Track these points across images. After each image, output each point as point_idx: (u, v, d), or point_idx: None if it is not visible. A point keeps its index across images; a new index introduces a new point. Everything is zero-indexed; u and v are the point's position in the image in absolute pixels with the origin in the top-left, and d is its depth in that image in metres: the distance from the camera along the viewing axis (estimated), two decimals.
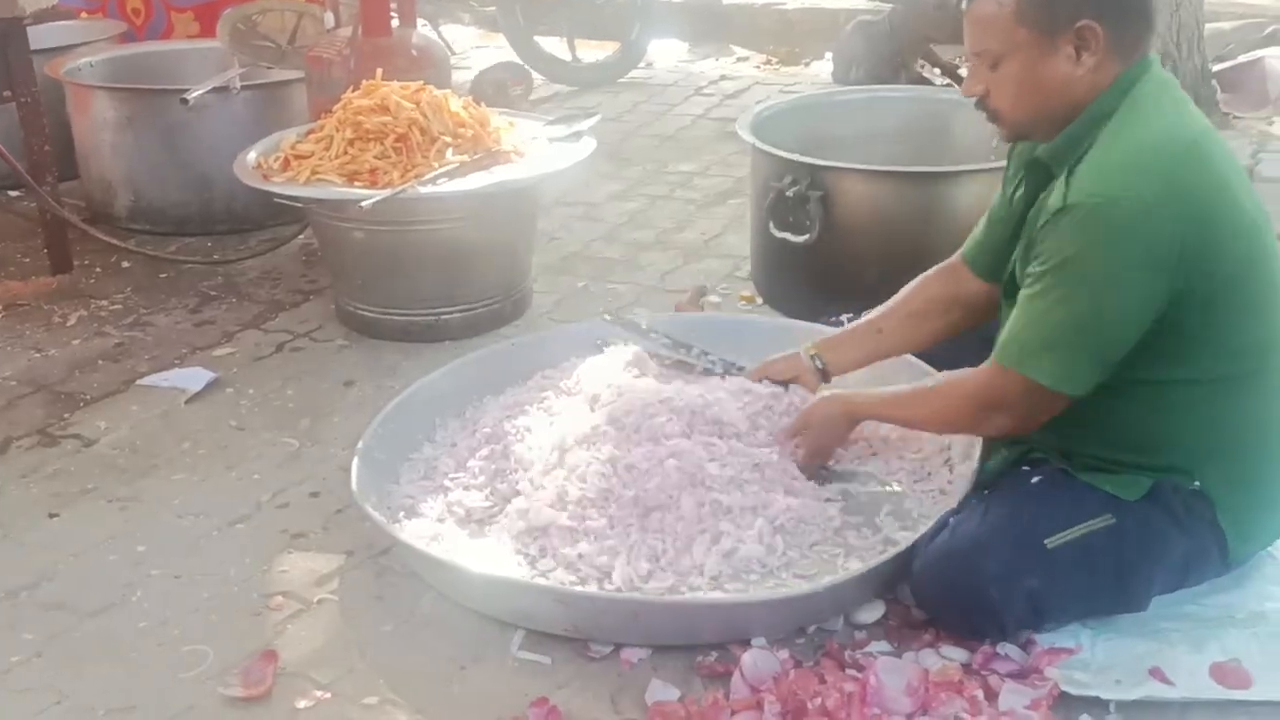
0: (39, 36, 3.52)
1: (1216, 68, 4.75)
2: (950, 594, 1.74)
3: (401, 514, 2.06)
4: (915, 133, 3.14)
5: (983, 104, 1.85)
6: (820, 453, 2.05)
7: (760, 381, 2.22)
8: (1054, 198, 1.74)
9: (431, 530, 1.99)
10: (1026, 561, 1.71)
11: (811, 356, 2.21)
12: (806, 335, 2.36)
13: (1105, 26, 1.73)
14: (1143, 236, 1.65)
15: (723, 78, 5.58)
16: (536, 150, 2.98)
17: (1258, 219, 1.76)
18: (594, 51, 5.65)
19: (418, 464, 2.21)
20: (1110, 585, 1.75)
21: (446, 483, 2.12)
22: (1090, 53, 1.74)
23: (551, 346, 2.50)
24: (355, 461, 2.04)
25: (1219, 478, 1.79)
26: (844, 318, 2.40)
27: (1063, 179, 1.75)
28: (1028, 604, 1.72)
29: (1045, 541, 1.71)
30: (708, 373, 2.33)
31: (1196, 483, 1.79)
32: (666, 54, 6.03)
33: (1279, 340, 1.80)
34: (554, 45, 5.54)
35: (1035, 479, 1.83)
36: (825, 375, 2.21)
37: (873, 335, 2.20)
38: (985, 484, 1.91)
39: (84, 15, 4.39)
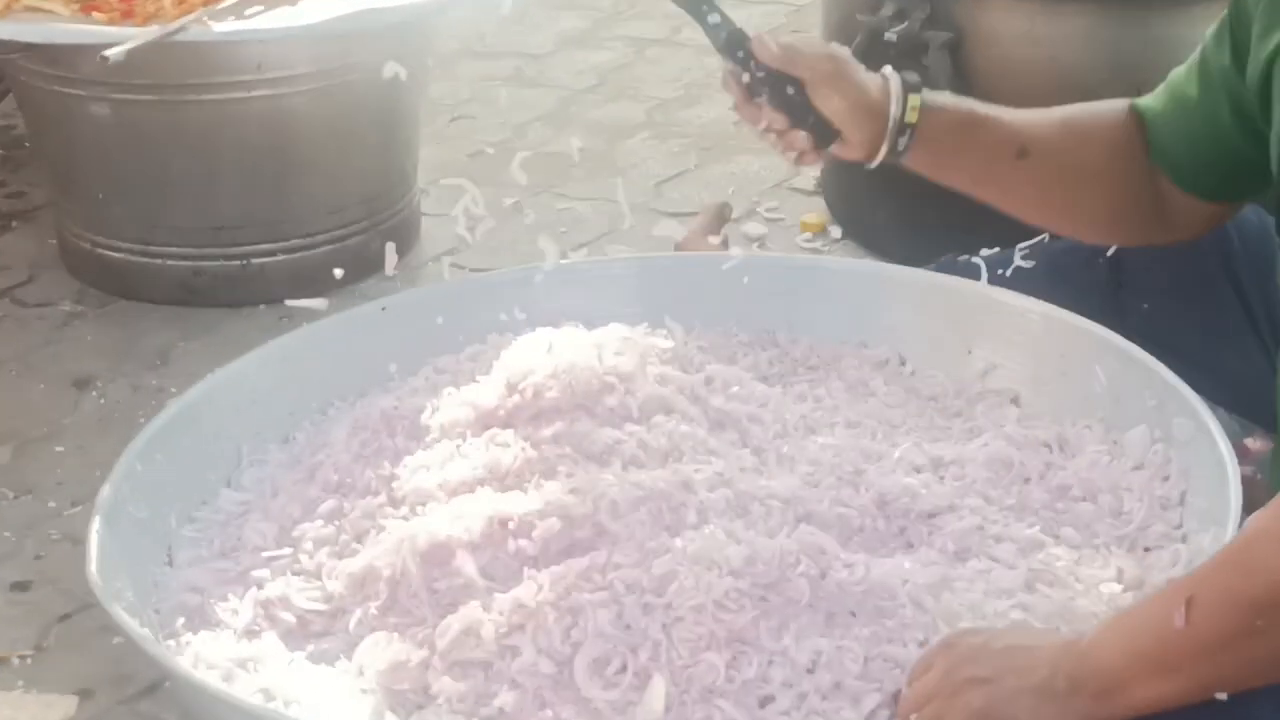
0: None
1: None
2: None
3: (180, 622, 1.47)
4: None
5: None
6: None
7: (770, 86, 1.58)
8: None
9: (239, 653, 1.38)
10: None
11: (904, 86, 1.56)
12: (919, 293, 1.82)
13: None
14: None
15: None
16: None
17: None
18: None
19: (209, 529, 1.61)
20: None
21: (261, 566, 1.53)
22: None
23: (453, 313, 1.85)
24: (95, 525, 1.43)
25: None
26: (985, 256, 1.79)
27: None
28: None
29: None
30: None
31: None
32: None
33: None
34: None
35: None
36: (893, 128, 1.56)
37: (1008, 158, 1.62)
38: None
39: None
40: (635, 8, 3.44)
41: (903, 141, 1.52)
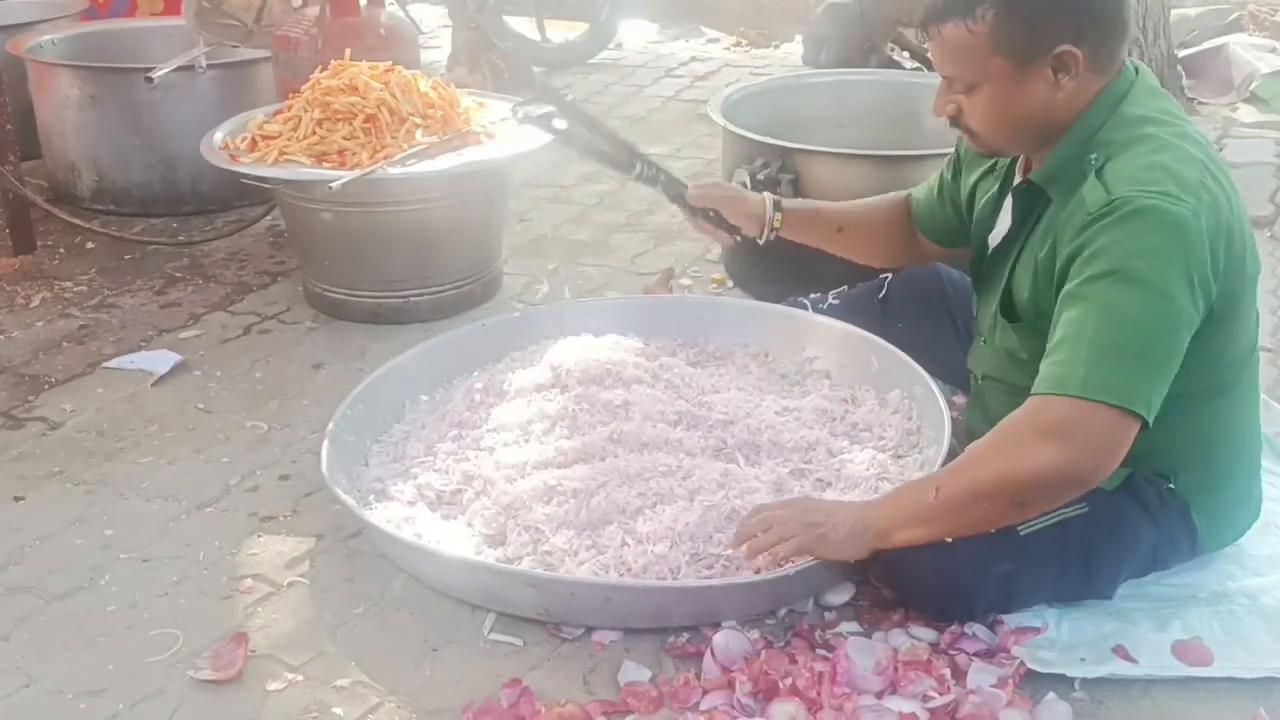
0: None
1: (1182, 54, 4.79)
2: (922, 577, 1.73)
3: (371, 497, 2.05)
4: (885, 116, 3.16)
5: (956, 122, 1.80)
6: (802, 554, 1.74)
7: (702, 210, 2.22)
8: (1090, 199, 1.63)
9: (402, 513, 1.98)
10: (999, 547, 1.69)
11: (773, 202, 2.21)
12: (775, 317, 2.40)
13: (1084, 46, 1.67)
14: (1194, 243, 1.58)
15: (693, 59, 5.58)
16: (506, 131, 2.96)
17: (1248, 230, 1.73)
18: (563, 31, 5.63)
19: (387, 446, 2.20)
20: (1079, 572, 1.75)
21: (416, 466, 2.11)
22: (1070, 75, 1.68)
23: (520, 328, 2.50)
24: (325, 444, 2.03)
25: (1194, 482, 1.79)
26: (811, 298, 2.42)
27: (1092, 182, 1.65)
28: (999, 588, 1.72)
29: (1019, 528, 1.69)
30: (640, 178, 2.28)
31: (1171, 485, 1.79)
32: (636, 35, 6.03)
33: (1254, 351, 1.81)
34: (523, 25, 5.49)
35: None
36: (768, 225, 2.21)
37: (832, 231, 2.24)
38: None
39: None
40: (614, 173, 3.84)
41: (774, 232, 2.21)
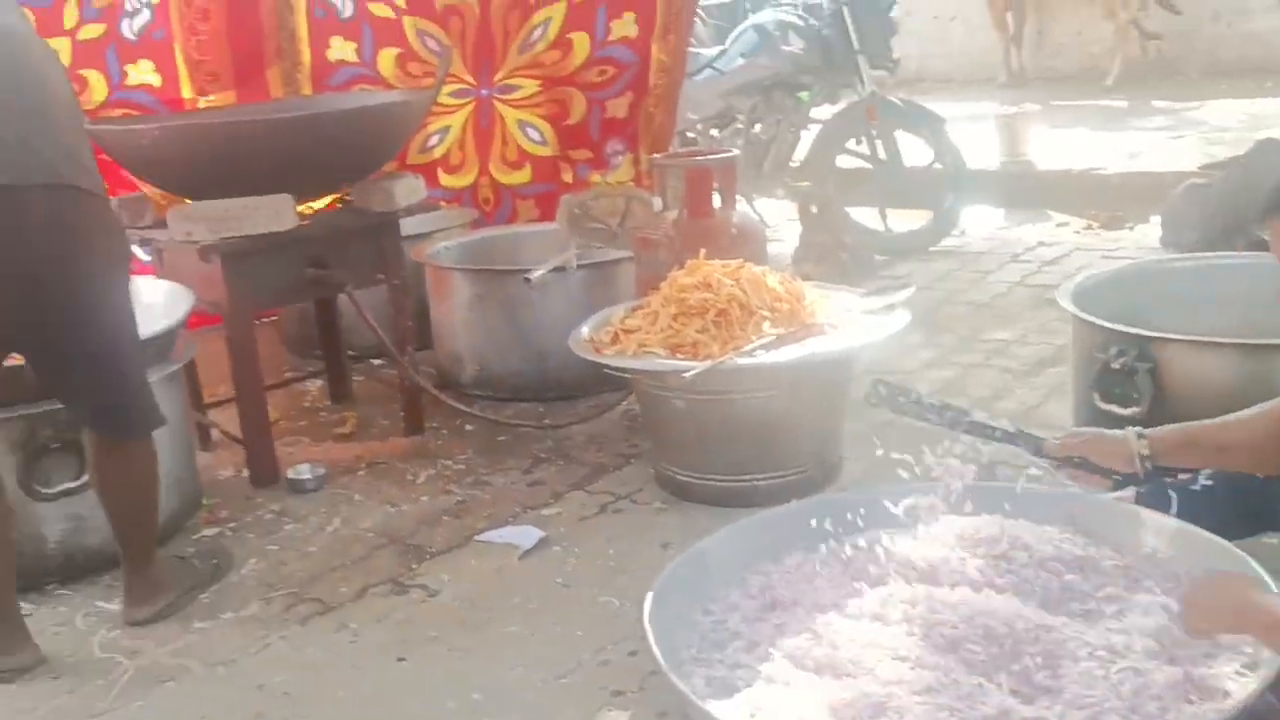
0: (407, 225, 3.93)
1: None
2: None
3: (710, 683, 2.04)
4: (1252, 303, 2.95)
5: None
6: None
7: (1066, 459, 2.17)
8: None
9: (741, 698, 1.97)
10: None
11: (1139, 437, 2.14)
12: (1139, 513, 2.24)
13: None
14: None
15: (1040, 243, 5.50)
16: (850, 322, 3.05)
17: None
18: (906, 220, 5.70)
19: (713, 628, 2.20)
20: None
21: (744, 650, 2.11)
22: None
23: (850, 511, 2.43)
24: (648, 601, 2.05)
25: None
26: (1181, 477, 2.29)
27: None
28: None
29: None
30: (992, 435, 2.24)
31: None
32: (980, 221, 6.02)
33: None
34: (865, 215, 5.63)
35: None
36: (1139, 460, 2.14)
37: (1214, 452, 2.15)
38: None
39: (444, 205, 4.92)
40: (965, 346, 4.11)
41: (1147, 462, 2.18)
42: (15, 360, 2.57)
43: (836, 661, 2.00)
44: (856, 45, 5.65)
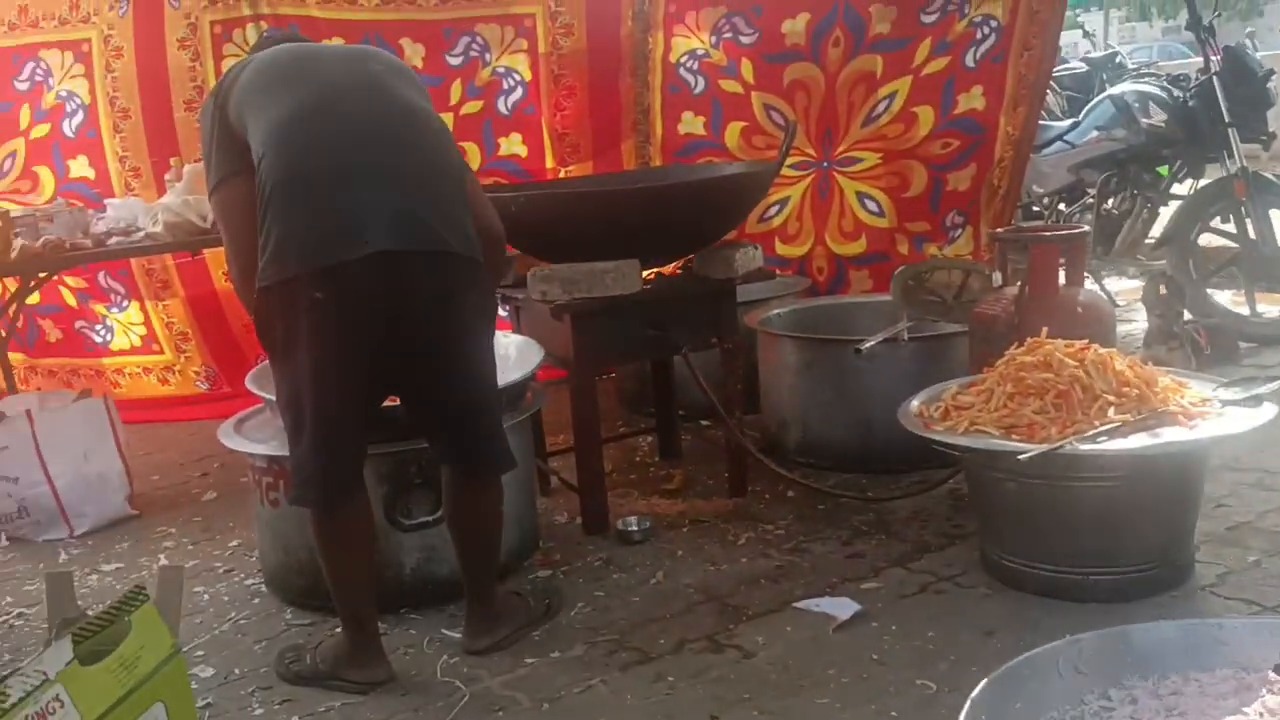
0: (741, 291, 4.02)
1: None
2: None
3: None
4: None
5: None
6: None
7: None
8: None
9: None
10: None
11: None
12: None
13: None
14: None
15: None
16: (1207, 412, 2.87)
17: None
18: (1276, 305, 5.29)
19: None
20: None
21: None
22: None
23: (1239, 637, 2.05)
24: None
25: None
26: None
27: None
28: None
29: None
30: None
31: None
32: None
33: None
34: (1229, 298, 5.26)
35: None
36: None
37: None
38: None
39: (778, 273, 5.03)
40: None
41: None
42: (392, 401, 2.83)
43: None
44: (1227, 118, 5.32)
